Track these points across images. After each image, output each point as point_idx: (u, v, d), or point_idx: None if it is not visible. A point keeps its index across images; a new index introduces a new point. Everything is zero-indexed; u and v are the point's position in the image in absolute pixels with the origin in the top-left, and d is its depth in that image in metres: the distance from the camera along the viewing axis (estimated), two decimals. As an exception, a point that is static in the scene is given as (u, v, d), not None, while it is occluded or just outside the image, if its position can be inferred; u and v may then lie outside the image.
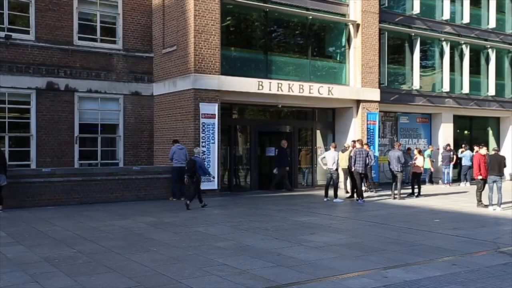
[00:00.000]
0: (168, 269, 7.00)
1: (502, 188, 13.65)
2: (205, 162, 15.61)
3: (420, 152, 17.48)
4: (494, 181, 13.57)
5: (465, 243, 8.98)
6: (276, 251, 8.21)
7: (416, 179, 17.06)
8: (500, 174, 13.61)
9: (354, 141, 16.76)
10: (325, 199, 15.42)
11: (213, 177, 15.72)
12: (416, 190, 16.92)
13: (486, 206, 13.78)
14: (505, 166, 13.77)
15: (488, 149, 15.48)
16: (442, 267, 7.23)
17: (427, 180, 21.18)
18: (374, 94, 19.16)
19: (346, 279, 6.59)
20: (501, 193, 13.57)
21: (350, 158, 15.96)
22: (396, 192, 16.00)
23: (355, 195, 15.90)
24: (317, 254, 8.05)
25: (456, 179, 22.10)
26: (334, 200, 15.23)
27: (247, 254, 7.97)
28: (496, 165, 13.52)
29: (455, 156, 21.18)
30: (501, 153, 22.61)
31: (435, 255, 8.05)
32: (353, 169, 15.46)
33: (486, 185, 13.90)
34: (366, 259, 7.73)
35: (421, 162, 17.27)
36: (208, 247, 8.55)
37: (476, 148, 15.11)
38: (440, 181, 21.27)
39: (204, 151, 15.66)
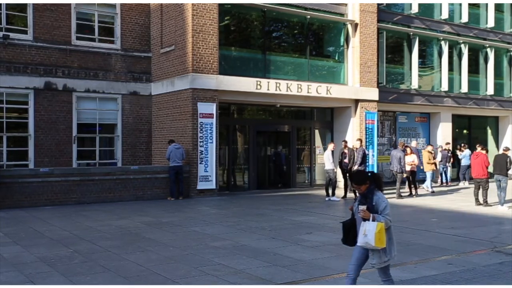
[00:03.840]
0: (164, 269, 7.00)
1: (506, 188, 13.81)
2: (203, 162, 15.65)
3: (411, 150, 17.43)
4: (499, 180, 13.68)
5: (462, 243, 8.99)
6: (273, 251, 8.21)
7: (411, 177, 17.02)
8: (502, 173, 13.66)
9: (345, 141, 16.68)
10: (326, 199, 15.40)
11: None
12: (413, 190, 16.91)
13: (486, 205, 13.85)
14: (488, 164, 13.93)
15: (486, 150, 15.45)
16: (438, 267, 7.24)
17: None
18: (373, 93, 19.16)
19: (341, 278, 6.58)
20: (505, 192, 13.69)
21: (341, 157, 16.00)
22: (395, 191, 16.02)
23: (348, 194, 15.92)
24: (313, 253, 8.05)
25: (455, 179, 22.08)
26: (332, 199, 15.24)
27: (244, 254, 7.98)
28: (497, 165, 13.64)
29: (452, 156, 21.17)
30: (500, 152, 22.67)
31: (432, 254, 8.06)
32: (355, 168, 15.42)
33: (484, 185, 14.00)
34: (362, 258, 7.71)
35: (414, 159, 17.16)
36: (205, 246, 8.56)
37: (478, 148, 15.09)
38: (438, 180, 21.25)
39: (202, 151, 15.66)
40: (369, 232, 4.95)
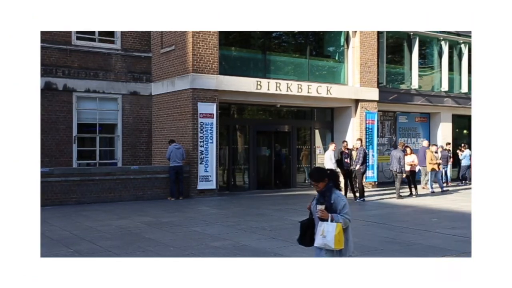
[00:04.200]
0: (164, 269, 6.99)
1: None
2: (203, 162, 15.66)
3: (411, 150, 17.42)
4: None
5: (462, 242, 8.98)
6: (273, 251, 8.22)
7: (410, 177, 17.01)
8: None
9: (345, 141, 16.69)
10: None
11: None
12: (413, 190, 16.90)
13: None
14: None
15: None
16: (438, 267, 7.22)
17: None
18: (373, 93, 19.16)
19: (341, 278, 6.57)
20: None
21: (340, 157, 15.99)
22: (395, 191, 16.03)
23: (347, 194, 15.91)
24: (314, 253, 8.02)
25: (455, 179, 22.08)
26: None
27: (244, 254, 7.98)
28: None
29: (452, 156, 21.16)
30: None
31: (432, 254, 8.05)
32: (356, 168, 15.39)
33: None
34: (362, 258, 7.72)
35: (414, 160, 17.18)
36: (205, 247, 8.56)
37: None
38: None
39: (202, 151, 15.66)
40: (328, 234, 4.73)
